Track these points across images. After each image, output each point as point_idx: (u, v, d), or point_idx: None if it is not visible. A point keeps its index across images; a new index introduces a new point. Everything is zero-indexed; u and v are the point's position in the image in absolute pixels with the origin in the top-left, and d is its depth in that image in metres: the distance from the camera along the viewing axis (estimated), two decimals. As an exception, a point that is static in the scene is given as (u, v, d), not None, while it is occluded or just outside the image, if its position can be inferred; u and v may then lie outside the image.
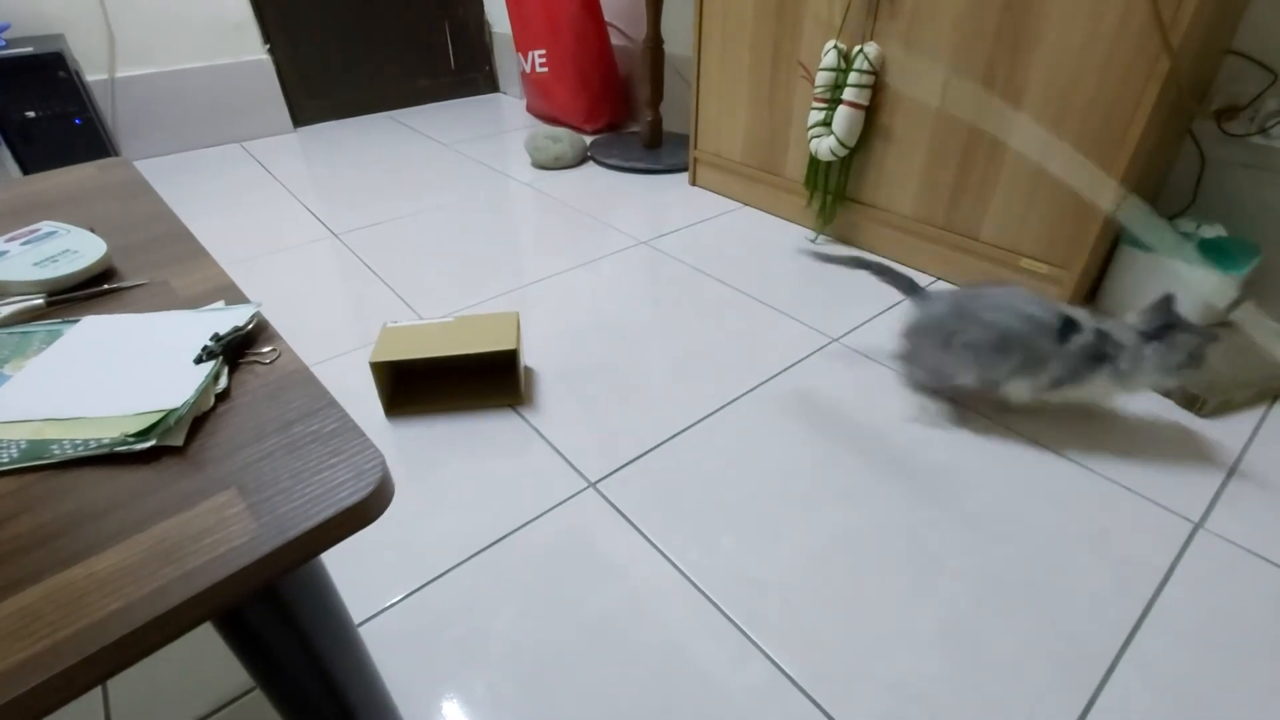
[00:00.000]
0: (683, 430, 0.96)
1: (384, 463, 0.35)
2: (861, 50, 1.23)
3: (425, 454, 0.93)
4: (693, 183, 1.80)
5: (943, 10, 1.13)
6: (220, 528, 0.32)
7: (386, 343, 0.96)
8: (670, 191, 1.77)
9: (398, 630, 0.71)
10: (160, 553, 0.30)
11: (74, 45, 1.83)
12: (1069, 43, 1.01)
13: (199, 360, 0.42)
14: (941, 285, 1.08)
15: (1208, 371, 1.00)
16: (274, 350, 0.44)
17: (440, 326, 1.00)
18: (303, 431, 0.37)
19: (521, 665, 0.67)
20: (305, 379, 0.41)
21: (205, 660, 0.68)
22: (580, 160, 1.97)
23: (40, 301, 0.50)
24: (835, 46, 1.27)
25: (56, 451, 0.36)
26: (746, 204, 1.68)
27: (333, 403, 0.39)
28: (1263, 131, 1.09)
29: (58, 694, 0.26)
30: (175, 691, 0.66)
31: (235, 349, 0.44)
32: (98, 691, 0.66)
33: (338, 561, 0.78)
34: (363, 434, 0.37)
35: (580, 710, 0.64)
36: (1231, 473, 0.88)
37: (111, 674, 0.27)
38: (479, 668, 0.67)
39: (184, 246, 0.58)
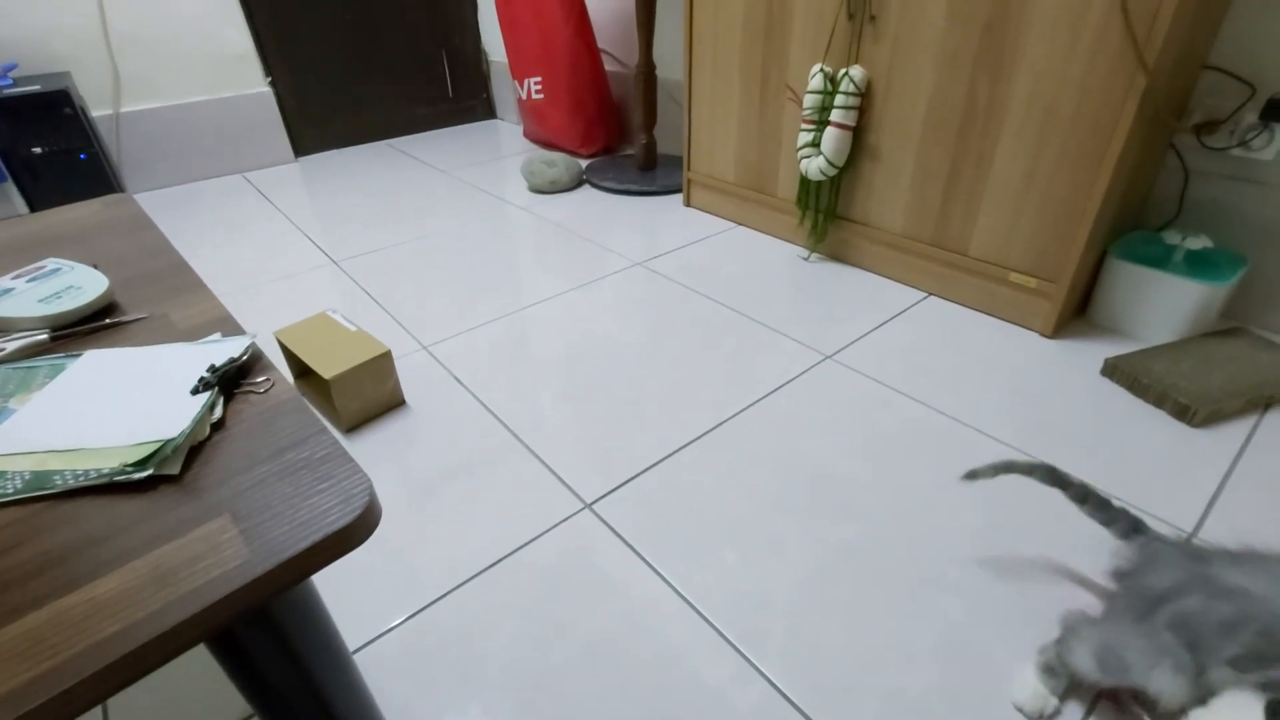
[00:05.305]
0: (678, 449, 0.97)
1: (371, 488, 0.36)
2: (847, 73, 1.26)
3: (423, 478, 0.94)
4: (687, 204, 1.83)
5: (924, 33, 1.16)
6: (213, 553, 0.33)
7: (303, 330, 1.09)
8: (665, 213, 1.80)
9: (397, 653, 0.71)
10: (157, 577, 0.32)
11: (80, 82, 1.88)
12: (1048, 63, 1.04)
13: (195, 391, 0.43)
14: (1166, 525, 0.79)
15: (1199, 380, 1.01)
16: (268, 380, 0.46)
17: (336, 333, 1.09)
18: (294, 458, 0.39)
19: (519, 687, 0.68)
20: (297, 407, 0.43)
21: (203, 689, 0.69)
22: (576, 184, 2.00)
23: (45, 337, 0.52)
24: (822, 70, 1.30)
25: (59, 482, 0.38)
26: (740, 224, 1.70)
27: (323, 430, 0.41)
28: (1243, 144, 1.11)
29: (61, 712, 0.27)
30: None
31: (231, 379, 0.46)
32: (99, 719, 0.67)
33: (336, 586, 0.79)
34: (351, 460, 0.38)
35: (576, 729, 0.64)
36: (1224, 483, 0.89)
37: (112, 693, 0.29)
38: (476, 689, 0.68)
39: (183, 280, 0.60)
